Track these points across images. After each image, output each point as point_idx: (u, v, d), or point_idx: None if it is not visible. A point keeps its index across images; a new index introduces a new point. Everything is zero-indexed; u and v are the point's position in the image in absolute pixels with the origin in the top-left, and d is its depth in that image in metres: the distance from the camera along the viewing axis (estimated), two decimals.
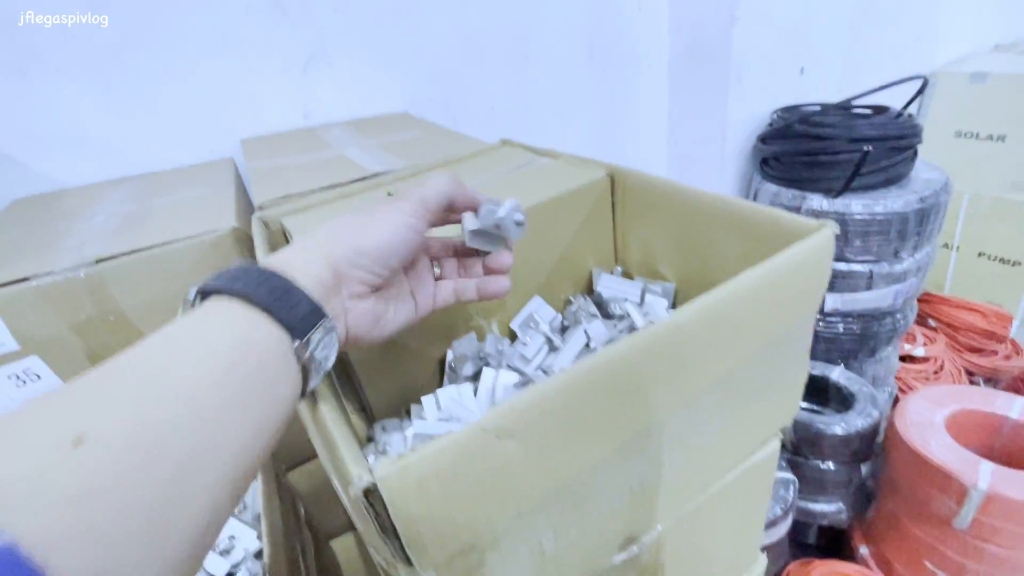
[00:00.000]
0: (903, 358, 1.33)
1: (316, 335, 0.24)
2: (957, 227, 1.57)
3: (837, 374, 1.07)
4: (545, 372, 0.38)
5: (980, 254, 1.56)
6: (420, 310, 0.33)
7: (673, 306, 0.46)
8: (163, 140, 0.78)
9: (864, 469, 1.00)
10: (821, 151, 1.02)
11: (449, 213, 0.32)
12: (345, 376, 0.44)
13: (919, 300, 1.40)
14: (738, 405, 0.34)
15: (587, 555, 0.31)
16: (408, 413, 0.43)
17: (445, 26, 0.94)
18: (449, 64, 0.97)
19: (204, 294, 0.24)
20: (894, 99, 1.07)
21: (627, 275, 0.51)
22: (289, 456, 0.64)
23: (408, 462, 0.20)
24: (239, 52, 0.79)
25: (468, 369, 0.40)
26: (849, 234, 1.00)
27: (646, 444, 0.29)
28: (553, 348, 0.42)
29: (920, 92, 1.07)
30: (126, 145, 0.77)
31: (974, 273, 1.59)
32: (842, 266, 1.04)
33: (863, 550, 1.00)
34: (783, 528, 0.92)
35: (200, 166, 0.78)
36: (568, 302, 0.50)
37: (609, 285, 0.47)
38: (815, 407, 1.10)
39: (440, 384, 0.46)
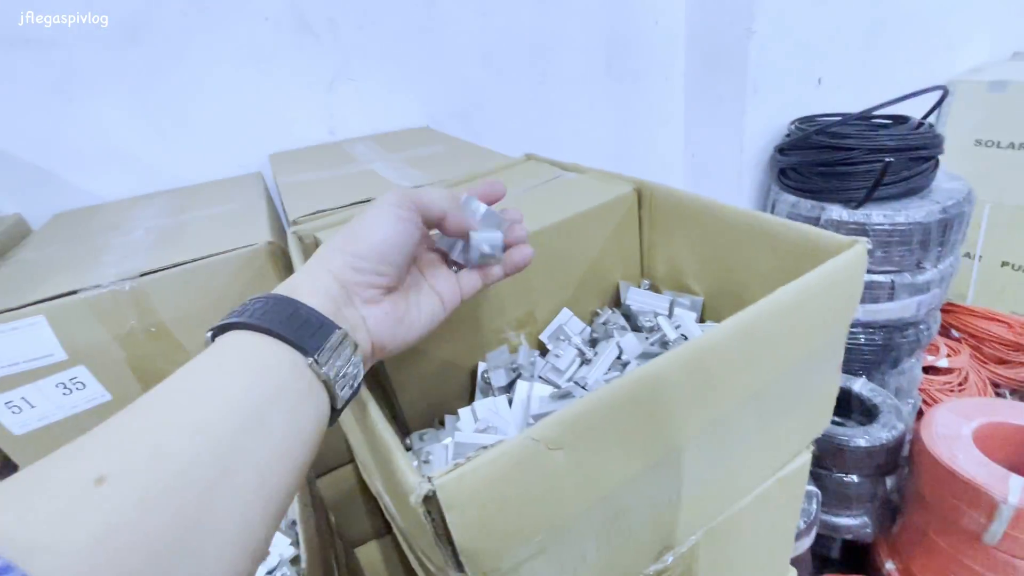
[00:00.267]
0: (926, 369, 1.32)
1: (329, 348, 0.24)
2: (979, 236, 1.56)
3: (859, 385, 1.06)
4: (578, 384, 0.39)
5: (1004, 263, 1.54)
6: (447, 304, 0.32)
7: (701, 320, 0.47)
8: (195, 155, 0.81)
9: (889, 482, 0.99)
10: (840, 162, 1.02)
11: (437, 225, 0.32)
12: (379, 387, 0.45)
13: (942, 310, 1.38)
14: (771, 419, 0.34)
15: (625, 564, 0.31)
16: (442, 423, 0.44)
17: (465, 42, 0.96)
18: (469, 79, 0.99)
19: (217, 331, 0.24)
20: (913, 109, 1.07)
21: (654, 288, 0.51)
22: (316, 464, 0.65)
23: (464, 471, 0.21)
24: (268, 70, 0.81)
25: (501, 380, 0.41)
26: (870, 242, 1.00)
27: (683, 456, 0.30)
28: (585, 360, 0.42)
29: (940, 103, 1.07)
30: (159, 160, 0.79)
31: (997, 283, 1.56)
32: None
33: (889, 565, 0.98)
34: (806, 542, 0.91)
35: (230, 180, 0.81)
36: (596, 315, 0.50)
37: (637, 298, 0.48)
38: (837, 419, 1.09)
39: (471, 395, 0.46)
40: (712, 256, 0.45)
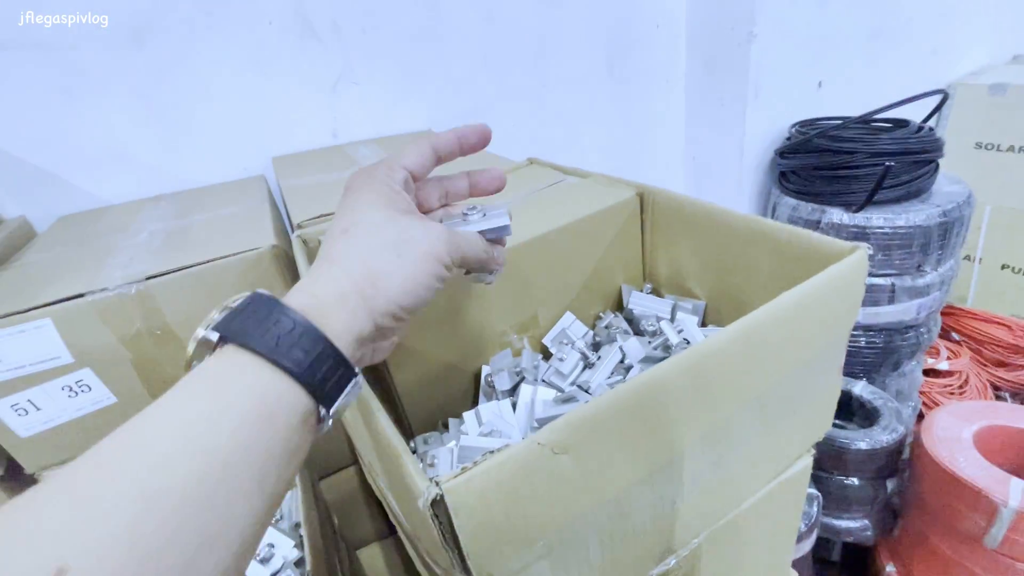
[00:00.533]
0: (926, 372, 1.32)
1: (343, 397, 0.23)
2: (980, 239, 1.56)
3: (860, 388, 1.06)
4: (581, 388, 0.39)
5: (1004, 266, 1.55)
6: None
7: (703, 324, 0.47)
8: (198, 158, 0.81)
9: (890, 485, 0.99)
10: (841, 165, 1.02)
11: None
12: (382, 390, 0.45)
13: (942, 313, 1.38)
14: (773, 423, 0.35)
15: (628, 567, 0.32)
16: (445, 426, 0.44)
17: (467, 45, 0.96)
18: (471, 82, 0.99)
19: (229, 339, 0.21)
20: (913, 112, 1.07)
21: (656, 292, 0.52)
22: (319, 467, 0.66)
23: (472, 475, 0.22)
24: (272, 73, 0.82)
25: (505, 384, 0.41)
26: (870, 248, 1.01)
27: (686, 461, 0.30)
28: (588, 364, 0.43)
29: (940, 106, 1.07)
30: (163, 163, 0.79)
31: (997, 285, 1.57)
32: None
33: (889, 568, 0.98)
34: (807, 545, 0.91)
35: (234, 183, 0.81)
36: (598, 318, 0.51)
37: (640, 302, 0.48)
38: (837, 421, 1.09)
39: (474, 398, 0.47)
40: (714, 260, 0.45)
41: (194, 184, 0.81)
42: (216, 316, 0.23)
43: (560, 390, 0.40)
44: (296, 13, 0.81)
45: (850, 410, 1.08)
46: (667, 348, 0.40)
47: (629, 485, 0.28)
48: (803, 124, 1.18)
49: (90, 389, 0.50)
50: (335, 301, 0.24)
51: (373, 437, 0.27)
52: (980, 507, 0.78)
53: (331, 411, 0.23)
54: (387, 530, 0.75)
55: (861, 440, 0.93)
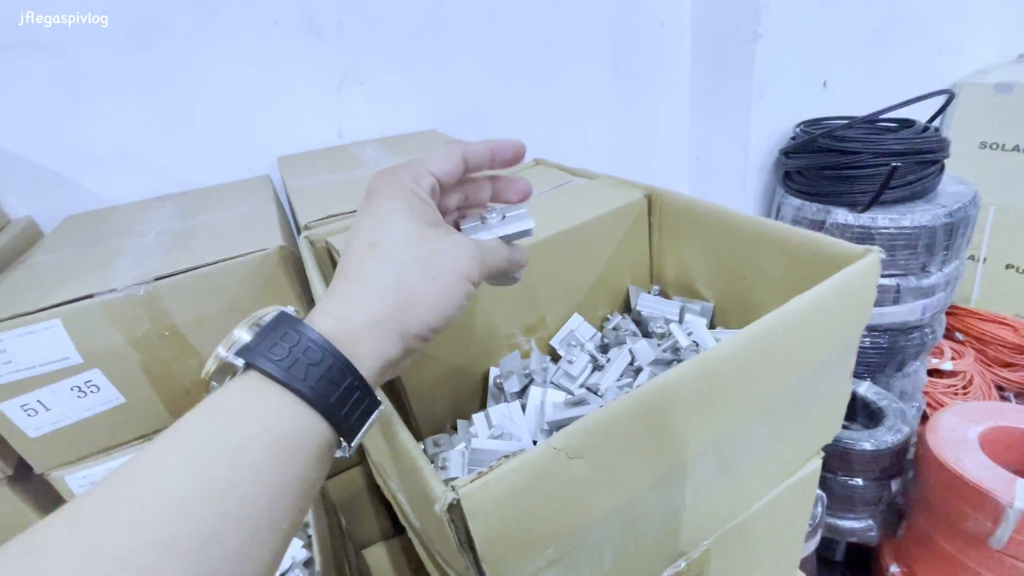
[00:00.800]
0: (930, 372, 1.32)
1: (365, 430, 0.22)
2: (984, 239, 1.56)
3: (864, 389, 1.06)
4: (591, 390, 0.39)
5: (1008, 266, 1.54)
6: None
7: (710, 326, 0.47)
8: (203, 158, 0.81)
9: (894, 486, 0.99)
10: (846, 165, 1.02)
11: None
12: (392, 392, 0.45)
13: (946, 313, 1.38)
14: (783, 427, 0.35)
15: (640, 570, 0.32)
16: (454, 428, 0.44)
17: (472, 45, 0.96)
18: (476, 82, 0.99)
19: (254, 364, 0.21)
20: (919, 112, 1.07)
21: (663, 294, 0.52)
22: None
23: (488, 479, 0.22)
24: (277, 73, 0.82)
25: (514, 386, 0.41)
26: (882, 251, 1.00)
27: (698, 465, 0.30)
28: (597, 367, 0.43)
29: (945, 106, 1.07)
30: (168, 163, 0.80)
31: (1002, 285, 1.56)
32: None
33: (893, 568, 0.98)
34: (811, 545, 0.91)
35: (239, 183, 0.81)
36: (606, 320, 0.51)
37: (648, 304, 0.48)
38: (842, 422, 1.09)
39: (482, 400, 0.47)
40: (722, 262, 0.45)
41: (199, 184, 0.81)
42: (240, 335, 0.22)
43: (570, 392, 0.40)
44: (301, 13, 0.80)
45: (854, 410, 1.08)
46: (676, 350, 0.40)
47: (642, 490, 0.28)
48: (808, 124, 1.18)
49: (99, 390, 0.50)
50: (366, 327, 0.23)
51: (388, 442, 0.27)
52: (986, 508, 0.78)
53: (352, 443, 0.22)
54: (393, 530, 0.75)
55: (866, 441, 0.93)
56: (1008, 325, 1.40)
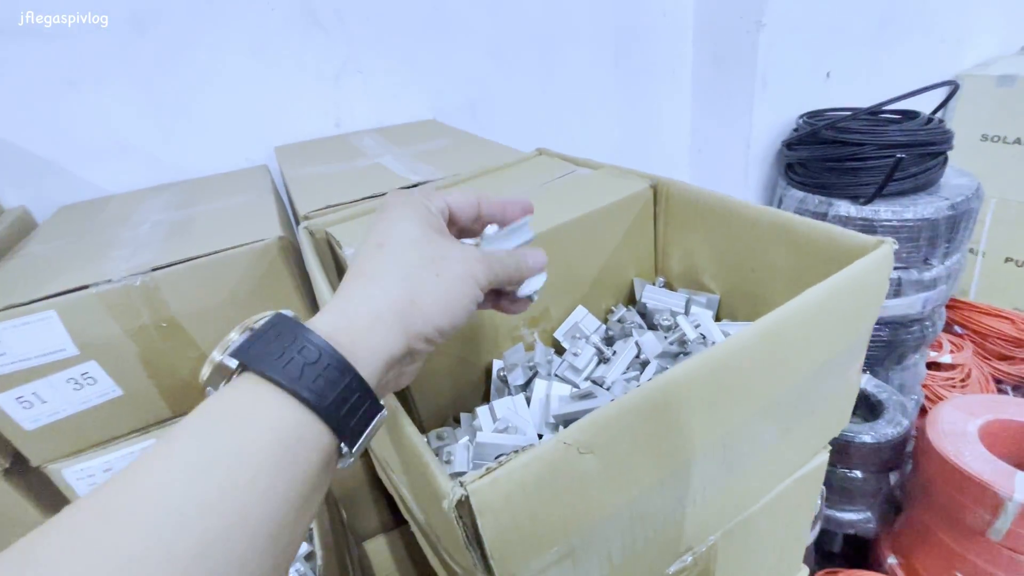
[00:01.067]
0: (929, 365, 1.32)
1: (366, 435, 0.22)
2: (983, 232, 1.55)
3: (864, 382, 1.06)
4: (596, 383, 0.39)
5: (1007, 259, 1.54)
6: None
7: (716, 319, 0.47)
8: (200, 147, 0.80)
9: (893, 478, 0.99)
10: (849, 157, 1.01)
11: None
12: None
13: (945, 307, 1.38)
14: (793, 422, 0.34)
15: (648, 565, 0.31)
16: (456, 420, 0.44)
17: (472, 35, 0.95)
18: (476, 72, 0.98)
19: (248, 365, 0.20)
20: (921, 103, 1.06)
21: (668, 287, 0.51)
22: None
23: (497, 475, 0.21)
24: (274, 62, 0.80)
25: (519, 379, 0.41)
26: (896, 242, 1.00)
27: (708, 460, 0.30)
28: (603, 359, 0.42)
29: (949, 97, 1.06)
30: (165, 153, 0.78)
31: (1000, 279, 1.56)
32: None
33: (891, 560, 0.99)
34: (810, 537, 0.91)
35: (236, 173, 0.80)
36: (610, 312, 0.50)
37: (653, 296, 0.47)
38: None
39: (485, 393, 0.46)
40: (729, 254, 0.45)
41: (196, 174, 0.80)
42: (235, 338, 0.21)
43: (575, 385, 0.39)
44: (299, 1, 0.79)
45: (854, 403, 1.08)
46: (683, 343, 0.39)
47: (652, 485, 0.27)
48: (811, 115, 1.17)
49: (96, 382, 0.49)
50: (369, 323, 0.22)
51: (392, 435, 0.26)
52: (985, 501, 0.78)
53: (354, 449, 0.21)
54: (394, 522, 0.75)
55: (866, 434, 0.93)
56: (1007, 318, 1.40)
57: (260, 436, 0.18)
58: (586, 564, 0.27)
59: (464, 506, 0.21)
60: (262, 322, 0.21)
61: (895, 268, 1.02)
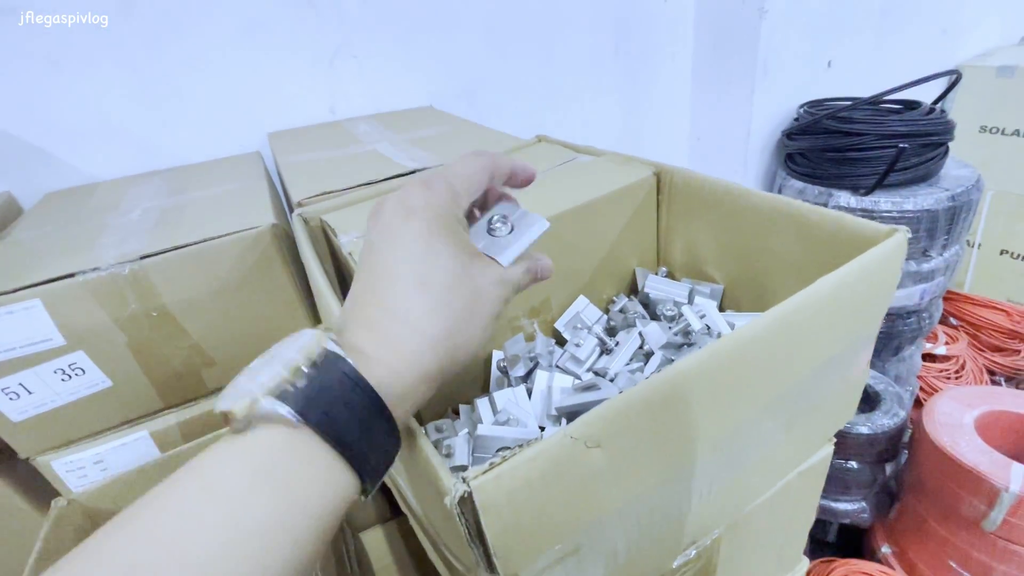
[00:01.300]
0: (924, 357, 1.32)
1: (385, 471, 0.21)
2: (980, 224, 1.55)
3: None
4: (598, 374, 0.38)
5: (1003, 251, 1.54)
6: None
7: (720, 309, 0.46)
8: (191, 133, 0.78)
9: (888, 469, 1.00)
10: (850, 147, 1.00)
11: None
12: None
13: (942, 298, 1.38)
14: (800, 415, 0.34)
15: (652, 560, 0.31)
16: (456, 413, 0.43)
17: (471, 20, 0.93)
18: (474, 58, 0.96)
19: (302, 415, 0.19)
20: (921, 94, 1.05)
21: (671, 276, 0.50)
22: None
23: (501, 471, 0.20)
24: (267, 45, 0.78)
25: (519, 370, 0.40)
26: (909, 231, 0.99)
27: (716, 454, 0.29)
28: (606, 350, 0.41)
29: (952, 87, 1.05)
30: (155, 138, 0.76)
31: (996, 271, 1.57)
32: None
33: (885, 549, 0.99)
34: None
35: (228, 159, 0.78)
36: (611, 302, 0.49)
37: (656, 286, 0.46)
38: None
39: (485, 384, 0.45)
40: (733, 243, 0.44)
41: (187, 160, 0.78)
42: (282, 374, 0.19)
43: (577, 376, 0.39)
44: None
45: None
46: (687, 334, 0.39)
47: (658, 480, 0.26)
48: (811, 105, 1.16)
49: (84, 372, 0.48)
50: (414, 384, 0.22)
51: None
52: (981, 491, 0.78)
53: (367, 497, 0.21)
54: (391, 512, 0.74)
55: (862, 425, 0.94)
56: (1002, 310, 1.41)
57: (310, 504, 0.18)
58: (591, 561, 0.26)
59: (467, 503, 0.20)
60: (317, 357, 0.19)
61: None
